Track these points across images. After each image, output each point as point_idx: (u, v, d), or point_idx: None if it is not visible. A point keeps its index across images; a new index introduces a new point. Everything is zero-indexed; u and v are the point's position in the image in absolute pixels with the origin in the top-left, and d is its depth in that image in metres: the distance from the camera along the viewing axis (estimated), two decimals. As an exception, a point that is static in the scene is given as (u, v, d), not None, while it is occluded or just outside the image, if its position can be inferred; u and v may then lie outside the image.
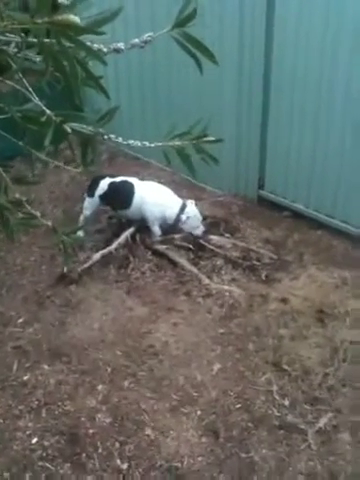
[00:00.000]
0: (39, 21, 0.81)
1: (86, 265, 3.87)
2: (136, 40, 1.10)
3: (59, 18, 0.81)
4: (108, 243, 4.09)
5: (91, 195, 4.24)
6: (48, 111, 1.21)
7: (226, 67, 4.32)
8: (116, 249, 3.99)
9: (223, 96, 4.53)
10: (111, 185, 4.19)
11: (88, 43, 1.05)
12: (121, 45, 1.10)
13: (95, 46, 1.08)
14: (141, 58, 4.95)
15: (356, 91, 3.73)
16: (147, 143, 1.44)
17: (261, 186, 4.66)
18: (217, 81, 4.41)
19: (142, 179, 4.41)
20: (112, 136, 1.37)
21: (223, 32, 4.23)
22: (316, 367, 3.01)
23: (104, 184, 4.20)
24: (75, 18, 0.84)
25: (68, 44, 0.93)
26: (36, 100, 1.24)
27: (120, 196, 4.17)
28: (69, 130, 1.20)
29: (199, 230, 4.10)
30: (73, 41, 0.89)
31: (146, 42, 1.11)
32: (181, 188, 4.62)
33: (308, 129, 4.12)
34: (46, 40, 0.90)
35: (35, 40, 0.93)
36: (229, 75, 4.35)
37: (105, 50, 1.08)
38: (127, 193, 4.14)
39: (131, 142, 1.43)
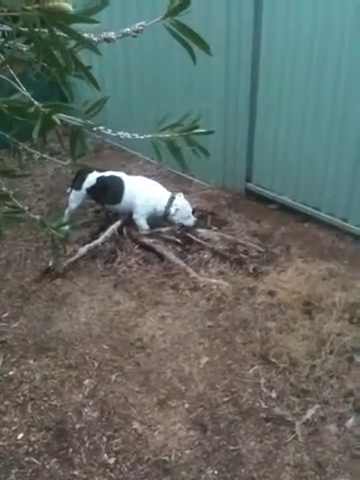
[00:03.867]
0: (29, 8, 0.77)
1: (72, 259, 3.83)
2: (128, 29, 1.07)
3: (50, 5, 0.77)
4: (94, 237, 4.05)
5: (78, 188, 4.19)
6: (36, 102, 1.17)
7: (213, 59, 4.28)
8: (103, 243, 3.96)
9: (210, 88, 4.50)
10: (99, 180, 4.15)
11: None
12: (112, 34, 1.06)
13: (85, 35, 1.04)
14: (126, 49, 4.89)
15: (344, 84, 3.73)
16: (137, 135, 1.41)
17: (248, 179, 4.66)
18: (204, 73, 4.38)
19: (129, 173, 4.38)
20: (101, 128, 1.34)
21: (210, 21, 4.19)
22: (303, 359, 3.02)
23: (92, 178, 4.16)
24: (67, 5, 0.81)
25: (60, 33, 0.90)
26: (23, 91, 1.20)
27: (109, 192, 4.14)
28: (58, 121, 1.16)
29: (190, 221, 4.10)
30: (65, 30, 0.85)
31: (138, 31, 1.08)
32: (168, 181, 4.60)
33: (296, 122, 4.12)
34: (37, 29, 0.87)
35: (24, 29, 0.90)
36: (216, 66, 4.33)
37: (96, 40, 1.05)
38: (116, 189, 4.11)
39: (120, 134, 1.40)
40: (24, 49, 1.18)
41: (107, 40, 1.07)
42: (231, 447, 2.62)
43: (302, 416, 2.75)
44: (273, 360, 3.04)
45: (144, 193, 4.11)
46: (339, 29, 3.61)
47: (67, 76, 0.99)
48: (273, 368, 3.01)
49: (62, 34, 0.88)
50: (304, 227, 4.27)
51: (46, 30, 0.84)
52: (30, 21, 0.80)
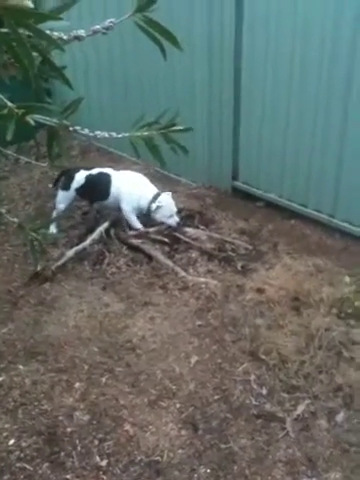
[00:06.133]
0: (-11, 6, 0.77)
1: (60, 262, 3.81)
2: (97, 26, 1.07)
3: (11, 3, 0.77)
4: (82, 239, 4.04)
5: (66, 188, 4.17)
6: (9, 103, 1.16)
7: (196, 59, 4.30)
8: (90, 245, 3.94)
9: (194, 87, 4.51)
10: (88, 177, 4.14)
11: (48, 31, 1.01)
12: (82, 32, 1.06)
13: (55, 34, 1.04)
14: (109, 47, 4.89)
15: (326, 81, 3.74)
16: (114, 134, 1.41)
17: (235, 177, 4.67)
18: (188, 71, 4.39)
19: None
20: (77, 128, 1.34)
21: (193, 18, 4.20)
22: (292, 355, 3.03)
23: (80, 177, 4.14)
24: (28, 3, 0.80)
25: (26, 32, 0.89)
26: (-3, 92, 1.20)
27: (98, 188, 4.13)
28: (32, 122, 1.16)
29: (172, 220, 4.05)
30: (30, 29, 0.85)
31: (108, 28, 1.07)
32: (155, 181, 4.58)
33: (280, 119, 4.13)
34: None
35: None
36: (199, 66, 4.33)
37: (65, 38, 1.05)
38: (104, 184, 4.10)
39: (98, 133, 1.39)
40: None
41: (77, 38, 1.07)
42: (223, 445, 2.62)
43: (293, 412, 2.75)
44: (263, 357, 3.05)
45: (127, 187, 4.09)
46: (319, 28, 3.63)
47: (35, 76, 0.98)
48: (263, 365, 3.01)
49: (27, 33, 0.88)
50: (291, 224, 4.28)
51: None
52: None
